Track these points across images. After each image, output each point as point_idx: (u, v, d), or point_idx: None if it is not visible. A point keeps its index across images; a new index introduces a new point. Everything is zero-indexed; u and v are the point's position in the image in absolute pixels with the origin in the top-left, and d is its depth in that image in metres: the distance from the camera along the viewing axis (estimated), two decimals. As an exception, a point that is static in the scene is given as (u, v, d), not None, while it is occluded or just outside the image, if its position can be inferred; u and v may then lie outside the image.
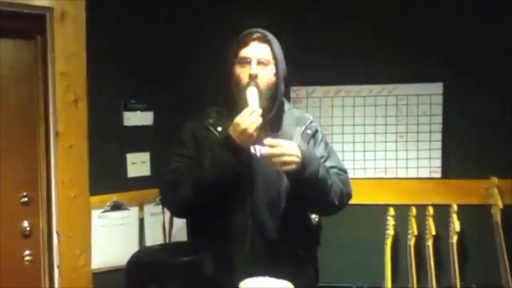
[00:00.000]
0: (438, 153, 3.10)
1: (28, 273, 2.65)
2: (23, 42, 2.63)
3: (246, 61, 1.95)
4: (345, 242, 3.08)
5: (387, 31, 3.06)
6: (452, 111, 3.07)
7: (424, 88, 3.10)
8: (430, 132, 3.11)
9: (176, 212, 2.09)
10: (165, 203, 2.15)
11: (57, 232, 2.66)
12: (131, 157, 2.93)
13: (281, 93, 2.01)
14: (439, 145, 3.10)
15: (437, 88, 3.09)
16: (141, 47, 2.91)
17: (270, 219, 1.94)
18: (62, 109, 2.64)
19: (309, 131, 2.05)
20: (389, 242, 2.99)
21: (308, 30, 3.10)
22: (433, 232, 2.95)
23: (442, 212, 2.99)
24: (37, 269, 2.68)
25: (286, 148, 1.81)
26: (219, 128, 1.96)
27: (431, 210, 2.99)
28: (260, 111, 1.85)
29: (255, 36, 1.98)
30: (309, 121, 2.08)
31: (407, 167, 3.14)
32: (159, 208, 3.03)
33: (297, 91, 3.19)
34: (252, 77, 1.92)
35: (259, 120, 1.83)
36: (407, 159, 3.14)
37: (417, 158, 3.12)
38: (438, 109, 3.09)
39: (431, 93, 3.10)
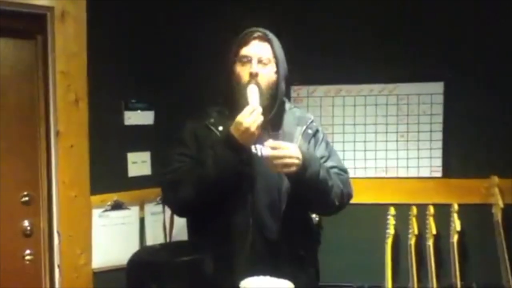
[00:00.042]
0: (438, 153, 3.10)
1: (28, 272, 2.65)
2: (24, 42, 2.63)
3: (246, 60, 1.95)
4: (346, 242, 3.09)
5: (388, 31, 3.06)
6: (452, 110, 3.07)
7: (425, 88, 3.10)
8: (431, 131, 3.11)
9: (177, 211, 2.09)
10: (166, 202, 2.15)
11: (57, 232, 2.66)
12: (131, 157, 2.93)
13: (282, 92, 2.01)
14: (439, 144, 3.10)
15: (437, 87, 3.09)
16: (142, 47, 2.91)
17: (270, 219, 1.94)
18: (63, 108, 2.64)
19: (310, 131, 2.05)
20: (389, 241, 2.99)
21: (309, 30, 3.10)
22: (434, 232, 2.95)
23: (442, 211, 2.99)
24: (37, 268, 2.69)
25: (287, 150, 1.81)
26: (220, 128, 1.96)
27: (431, 210, 2.99)
28: (260, 109, 1.85)
29: (255, 35, 1.99)
30: (310, 121, 2.08)
31: (407, 167, 3.14)
32: (159, 208, 3.03)
33: (298, 91, 3.19)
34: (253, 76, 1.92)
35: (260, 119, 1.83)
36: (407, 158, 3.14)
37: (418, 158, 3.12)
38: (439, 109, 3.09)
39: (431, 93, 3.10)
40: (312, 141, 2.05)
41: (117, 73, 2.82)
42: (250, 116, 1.81)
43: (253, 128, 1.81)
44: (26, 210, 2.65)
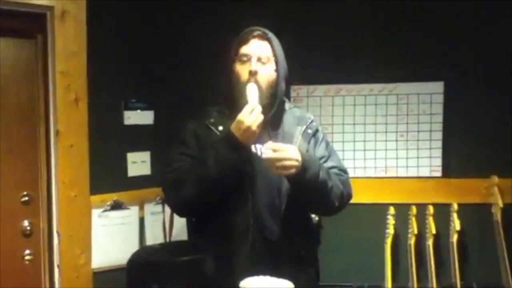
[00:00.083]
0: (438, 152, 3.10)
1: (28, 272, 2.65)
2: (24, 41, 2.63)
3: (246, 59, 1.95)
4: (346, 241, 3.09)
5: (388, 30, 3.06)
6: (452, 110, 3.07)
7: (425, 87, 3.10)
8: (431, 131, 3.11)
9: (178, 211, 2.08)
10: (167, 202, 2.15)
11: (57, 232, 2.66)
12: (131, 156, 2.93)
13: (282, 92, 2.01)
14: (439, 144, 3.10)
15: (437, 87, 3.09)
16: (142, 47, 2.91)
17: (270, 220, 1.94)
18: (63, 108, 2.64)
19: (309, 131, 2.05)
20: (389, 241, 2.99)
21: (309, 30, 3.10)
22: (434, 231, 2.95)
23: (442, 211, 2.99)
24: (37, 268, 2.68)
25: (286, 153, 1.81)
26: (220, 127, 1.95)
27: (431, 209, 3.00)
28: (260, 107, 1.85)
29: (255, 33, 1.99)
30: (310, 121, 2.07)
31: (407, 166, 3.14)
32: (159, 207, 3.03)
33: (298, 90, 3.19)
34: (252, 74, 1.92)
35: (261, 117, 1.83)
36: (407, 158, 3.14)
37: (418, 157, 3.13)
38: (439, 108, 3.09)
39: (431, 92, 3.10)
40: (312, 141, 2.05)
41: (117, 73, 2.82)
42: (251, 115, 1.82)
43: (254, 126, 1.81)
44: (26, 210, 2.65)
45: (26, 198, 2.65)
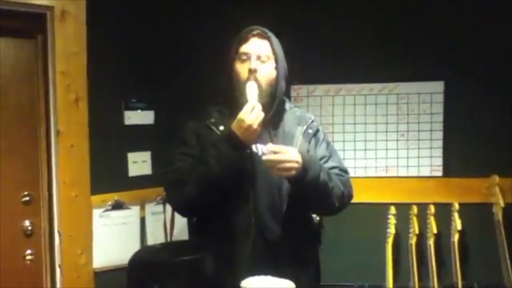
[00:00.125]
0: (439, 152, 3.10)
1: (29, 272, 2.65)
2: (24, 41, 2.63)
3: (246, 57, 1.96)
4: (346, 241, 3.08)
5: (388, 30, 3.06)
6: (453, 109, 3.07)
7: (425, 87, 3.10)
8: (431, 130, 3.11)
9: (181, 210, 2.08)
10: (169, 201, 2.13)
11: (58, 232, 2.66)
12: (132, 156, 2.93)
13: (282, 91, 2.01)
14: (440, 143, 3.10)
15: (438, 86, 3.09)
16: (142, 47, 2.91)
17: (271, 220, 1.94)
18: (63, 108, 2.64)
19: (310, 131, 2.05)
20: (390, 241, 2.99)
21: (309, 30, 3.10)
22: (435, 231, 2.95)
23: (443, 210, 2.98)
24: (38, 268, 2.69)
25: (286, 155, 1.81)
26: (221, 127, 1.95)
27: (432, 209, 2.99)
28: (260, 105, 1.85)
29: (255, 32, 2.00)
30: (310, 121, 2.08)
31: (408, 166, 3.14)
32: (160, 207, 3.03)
33: (298, 90, 3.19)
34: (251, 72, 1.93)
35: (261, 115, 1.83)
36: (408, 157, 3.14)
37: (418, 157, 3.12)
38: (439, 108, 3.09)
39: (432, 92, 3.10)
40: (313, 141, 2.05)
41: (117, 73, 2.82)
42: (252, 113, 1.82)
43: (255, 125, 1.82)
44: (27, 210, 2.65)
45: (27, 198, 2.65)
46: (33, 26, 2.62)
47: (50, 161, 2.67)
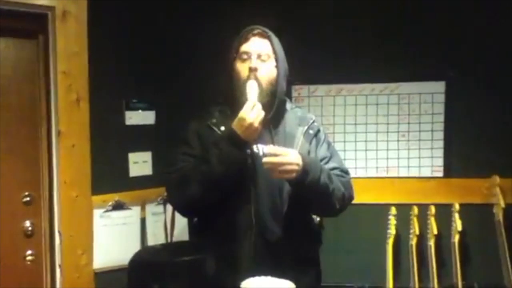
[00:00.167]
0: (440, 152, 3.10)
1: (30, 272, 2.65)
2: (25, 42, 2.63)
3: (246, 56, 1.96)
4: (347, 242, 3.08)
5: (388, 30, 3.06)
6: (454, 110, 3.07)
7: (426, 87, 3.10)
8: (432, 131, 3.10)
9: (182, 210, 2.08)
10: (171, 201, 2.13)
11: (59, 232, 2.66)
12: (133, 157, 2.93)
13: (282, 90, 2.02)
14: (441, 144, 3.10)
15: (439, 86, 3.08)
16: (142, 47, 2.91)
17: (272, 221, 1.94)
18: (64, 108, 2.64)
19: (311, 131, 2.05)
20: (390, 241, 2.99)
21: (309, 30, 3.09)
22: (435, 232, 2.94)
23: (444, 211, 2.98)
24: (39, 268, 2.69)
25: (286, 157, 1.81)
26: (222, 128, 1.95)
27: (433, 209, 2.99)
28: (260, 104, 1.85)
29: (255, 31, 2.00)
30: (311, 121, 2.08)
31: (408, 166, 3.14)
32: (161, 208, 3.03)
33: (299, 90, 3.19)
34: (252, 70, 1.93)
35: (262, 113, 1.84)
36: (408, 158, 3.13)
37: (419, 157, 3.12)
38: (440, 108, 3.09)
39: (433, 92, 3.09)
40: (314, 142, 2.05)
41: (118, 73, 2.82)
42: (252, 111, 1.82)
43: (256, 123, 1.82)
44: (27, 210, 2.65)
45: (28, 199, 2.65)
46: (34, 26, 2.62)
47: (51, 161, 2.67)
